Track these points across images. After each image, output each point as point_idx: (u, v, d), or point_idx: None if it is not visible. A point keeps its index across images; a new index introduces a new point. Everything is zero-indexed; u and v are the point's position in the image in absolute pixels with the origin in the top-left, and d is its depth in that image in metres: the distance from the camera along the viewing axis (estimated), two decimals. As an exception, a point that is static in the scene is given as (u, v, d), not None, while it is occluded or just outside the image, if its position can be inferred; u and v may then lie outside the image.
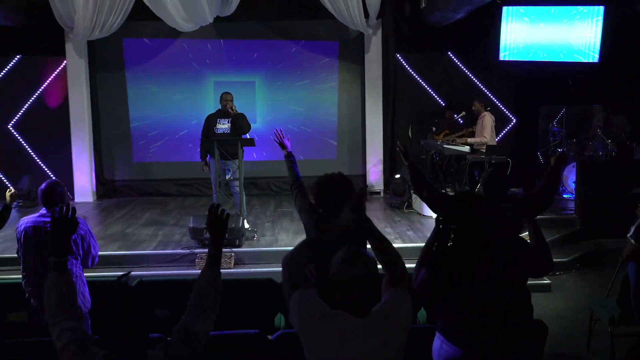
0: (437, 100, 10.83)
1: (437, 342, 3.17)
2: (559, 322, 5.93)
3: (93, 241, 4.47)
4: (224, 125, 8.10)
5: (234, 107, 8.04)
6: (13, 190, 5.10)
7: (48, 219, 4.36)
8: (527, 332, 3.18)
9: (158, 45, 10.82)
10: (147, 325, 2.35)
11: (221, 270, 2.60)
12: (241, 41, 10.88)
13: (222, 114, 8.12)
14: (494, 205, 3.40)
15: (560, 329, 5.74)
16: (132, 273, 6.48)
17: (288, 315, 2.45)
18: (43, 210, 4.44)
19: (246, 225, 7.78)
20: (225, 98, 8.13)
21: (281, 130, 4.52)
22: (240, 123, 8.06)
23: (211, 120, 8.17)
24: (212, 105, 10.26)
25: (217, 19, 9.68)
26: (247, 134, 8.19)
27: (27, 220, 4.44)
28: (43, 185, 4.43)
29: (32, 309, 4.40)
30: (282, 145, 4.45)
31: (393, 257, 2.60)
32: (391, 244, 2.66)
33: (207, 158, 8.21)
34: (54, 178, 4.56)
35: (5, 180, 10.57)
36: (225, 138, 7.92)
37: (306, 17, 10.71)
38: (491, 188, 4.41)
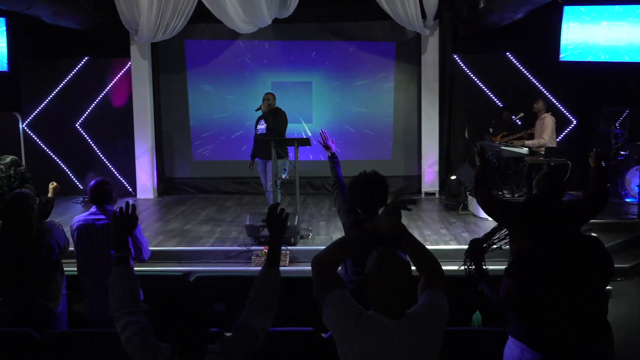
0: (495, 102, 10.63)
1: (516, 350, 3.08)
2: (619, 329, 5.72)
3: (142, 236, 4.55)
4: (261, 126, 8.17)
5: (263, 106, 8.05)
6: (56, 184, 5.25)
7: (97, 217, 4.47)
8: (604, 334, 3.09)
9: (218, 46, 10.99)
10: (207, 320, 2.39)
11: (260, 273, 2.61)
12: (298, 42, 10.94)
13: (267, 114, 8.16)
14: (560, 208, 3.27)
15: (620, 335, 5.54)
16: (189, 268, 6.63)
17: (322, 316, 2.43)
18: (93, 209, 4.55)
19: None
20: (264, 98, 8.18)
21: (325, 132, 4.56)
22: (272, 122, 8.03)
23: (256, 122, 8.28)
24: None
25: (275, 21, 9.76)
26: (284, 132, 8.14)
27: (79, 218, 4.56)
28: (92, 183, 4.52)
29: (86, 301, 4.54)
30: (327, 147, 4.50)
31: (429, 259, 2.57)
32: (425, 247, 2.63)
33: (257, 158, 8.30)
34: (101, 177, 4.66)
35: (72, 177, 10.94)
36: (263, 138, 7.97)
37: (363, 18, 10.68)
38: (545, 191, 4.27)
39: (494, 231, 3.60)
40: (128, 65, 10.72)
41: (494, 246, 3.54)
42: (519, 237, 3.45)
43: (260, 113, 8.23)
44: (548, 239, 3.03)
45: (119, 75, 10.85)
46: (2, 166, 5.05)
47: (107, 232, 4.43)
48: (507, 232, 3.61)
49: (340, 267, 3.84)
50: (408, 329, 2.33)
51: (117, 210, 2.70)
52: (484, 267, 3.32)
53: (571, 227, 3.13)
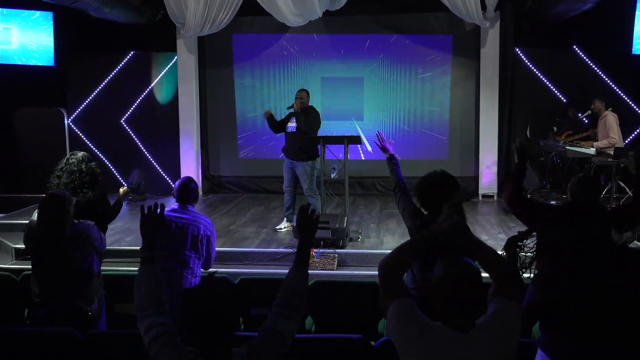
0: (559, 98, 10.40)
1: None
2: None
3: (213, 243, 4.65)
4: (292, 124, 8.14)
5: (296, 104, 8.01)
6: (127, 188, 5.43)
7: (180, 215, 4.60)
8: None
9: (265, 40, 11.07)
10: (246, 322, 2.41)
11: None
12: (349, 36, 10.93)
13: (294, 112, 8.16)
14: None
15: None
16: (235, 270, 6.70)
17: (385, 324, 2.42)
18: (175, 205, 4.67)
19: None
20: (297, 96, 8.12)
21: (382, 134, 4.57)
22: (304, 120, 7.96)
23: (287, 118, 8.24)
24: (318, 101, 10.37)
25: (326, 13, 9.78)
26: (315, 133, 8.05)
27: None
28: (179, 182, 4.71)
29: None
30: (384, 149, 4.47)
31: (499, 265, 2.50)
32: (496, 252, 2.56)
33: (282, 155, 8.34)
34: (186, 176, 4.84)
35: (116, 174, 11.20)
36: (293, 137, 7.97)
37: (418, 10, 10.60)
38: (579, 197, 4.10)
39: (531, 230, 3.50)
40: (174, 60, 10.91)
41: (526, 252, 3.42)
42: (550, 245, 3.34)
43: (291, 110, 8.21)
44: (583, 249, 2.91)
45: (165, 70, 11.06)
46: (74, 160, 5.22)
47: (186, 231, 4.54)
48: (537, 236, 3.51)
49: (407, 274, 3.83)
50: (477, 341, 2.27)
51: (145, 208, 2.76)
52: (520, 270, 3.25)
53: (608, 236, 2.99)
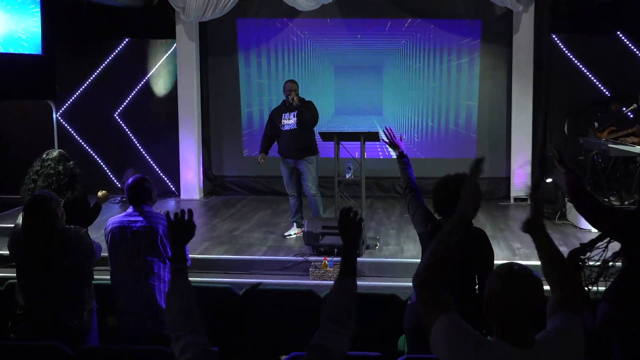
0: (601, 90, 10.34)
1: None
2: None
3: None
4: (289, 121, 8.14)
5: (295, 98, 8.03)
6: (106, 192, 5.45)
7: (134, 219, 4.57)
8: None
9: (274, 26, 11.09)
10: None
11: (334, 284, 2.62)
12: (366, 21, 10.92)
13: (286, 107, 8.15)
14: None
15: None
16: (240, 280, 6.71)
17: (430, 342, 2.37)
18: (129, 210, 4.65)
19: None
20: (288, 87, 8.13)
21: (391, 130, 4.56)
22: (308, 114, 8.02)
23: (275, 116, 8.24)
24: (331, 93, 10.40)
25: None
26: (315, 127, 8.19)
27: (113, 220, 4.67)
28: (129, 181, 4.65)
29: (120, 313, 4.64)
30: (394, 146, 4.49)
31: (566, 273, 2.46)
32: (564, 257, 2.53)
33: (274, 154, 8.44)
34: (139, 174, 4.79)
35: (109, 173, 11.24)
36: (292, 135, 7.99)
37: (443, -9, 10.62)
38: None
39: (594, 242, 3.48)
40: (173, 47, 10.96)
41: (594, 262, 3.39)
42: (625, 254, 3.32)
43: (279, 106, 8.27)
44: None
45: (162, 59, 11.11)
46: (50, 162, 5.23)
47: (144, 236, 4.53)
48: (608, 243, 3.48)
49: None
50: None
51: (173, 215, 2.77)
52: (586, 286, 3.22)
53: None
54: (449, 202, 3.66)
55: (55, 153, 5.33)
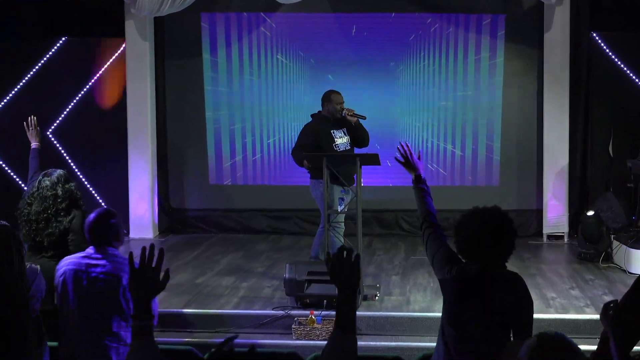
0: (655, 101, 10.44)
1: None
2: None
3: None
4: (342, 140, 8.18)
5: (353, 112, 8.12)
6: None
7: (94, 262, 4.57)
8: None
9: (248, 22, 11.13)
10: None
11: (328, 342, 2.62)
12: (362, 16, 11.01)
13: (336, 122, 8.19)
14: None
15: None
16: (203, 340, 6.67)
17: None
18: (90, 250, 4.65)
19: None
20: (340, 99, 8.24)
21: (407, 145, 4.49)
22: (362, 134, 8.21)
23: (323, 131, 8.19)
24: (319, 104, 10.42)
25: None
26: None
27: (68, 261, 4.66)
28: (91, 217, 4.66)
29: None
30: (410, 166, 4.42)
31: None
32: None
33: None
34: (104, 206, 4.83)
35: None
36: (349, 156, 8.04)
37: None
38: None
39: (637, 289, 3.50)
40: (121, 48, 10.98)
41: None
42: None
43: (312, 120, 8.28)
44: None
45: (107, 63, 11.11)
46: (47, 183, 5.44)
47: (104, 286, 4.53)
48: None
49: (437, 349, 3.84)
50: None
51: (137, 258, 2.74)
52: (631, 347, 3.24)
53: None
54: (475, 243, 3.68)
55: (55, 174, 5.56)
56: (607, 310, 3.71)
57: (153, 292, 2.75)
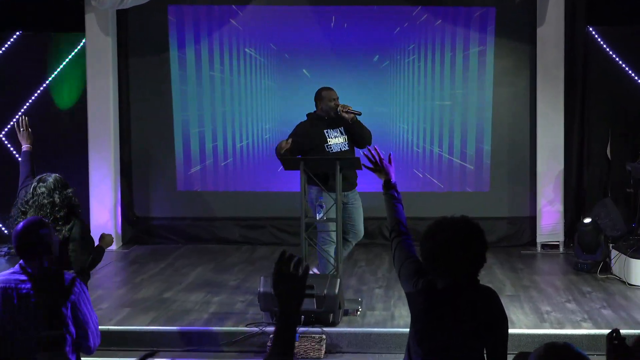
0: (655, 101, 10.52)
1: None
2: None
3: (88, 308, 4.54)
4: (338, 140, 8.14)
5: (349, 108, 8.10)
6: (110, 235, 5.56)
7: (23, 277, 4.50)
8: None
9: (219, 15, 11.12)
10: None
11: None
12: (342, 8, 11.03)
13: (330, 121, 8.17)
14: None
15: None
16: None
17: None
18: (18, 266, 4.58)
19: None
20: (333, 95, 8.17)
21: (377, 149, 4.47)
22: (359, 132, 8.12)
23: (316, 132, 8.15)
24: (298, 102, 10.43)
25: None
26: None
27: None
28: (18, 227, 4.54)
29: None
30: (380, 171, 4.40)
31: None
32: None
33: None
34: (33, 217, 4.79)
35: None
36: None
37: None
38: None
39: None
40: (82, 44, 10.94)
41: None
42: None
43: (304, 119, 8.27)
44: None
45: (67, 60, 11.07)
46: (42, 189, 5.44)
47: (34, 302, 4.47)
48: None
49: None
50: None
51: (45, 262, 2.71)
52: None
53: None
54: (442, 256, 3.66)
55: (51, 179, 5.56)
56: (611, 341, 3.74)
57: (62, 297, 2.71)
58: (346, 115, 8.03)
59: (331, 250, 8.06)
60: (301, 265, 2.67)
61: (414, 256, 3.99)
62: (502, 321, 3.82)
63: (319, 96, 8.25)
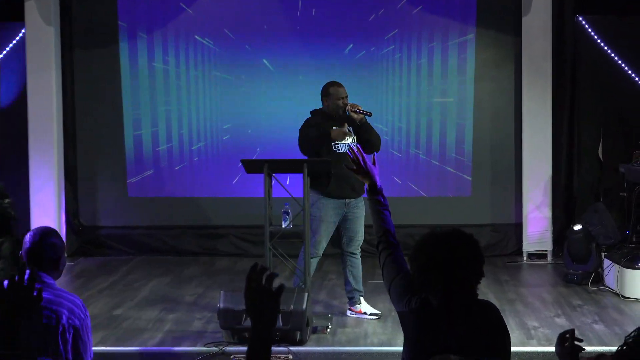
0: (650, 97, 10.63)
1: None
2: None
3: (89, 338, 4.58)
4: (344, 140, 8.14)
5: (358, 108, 8.09)
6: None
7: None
8: None
9: (176, 3, 11.12)
10: None
11: None
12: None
13: (339, 120, 8.17)
14: None
15: None
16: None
17: None
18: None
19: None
20: (342, 93, 8.13)
21: (359, 148, 4.46)
22: (367, 136, 8.09)
23: (325, 129, 8.15)
24: (260, 101, 10.42)
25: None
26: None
27: None
28: (29, 235, 4.58)
29: None
30: (364, 173, 4.35)
31: None
32: None
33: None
34: (44, 226, 4.78)
35: None
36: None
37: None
38: None
39: None
40: (20, 35, 10.90)
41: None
42: None
43: (314, 118, 8.26)
44: None
45: (4, 52, 11.03)
46: None
47: (35, 323, 4.46)
48: None
49: None
50: None
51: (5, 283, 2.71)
52: None
53: None
54: (435, 273, 3.65)
55: None
56: (563, 341, 3.79)
57: (24, 312, 2.70)
58: (355, 116, 8.01)
59: (314, 263, 8.08)
60: (274, 279, 2.68)
61: (407, 270, 3.92)
62: (505, 338, 3.83)
63: (325, 93, 8.20)
